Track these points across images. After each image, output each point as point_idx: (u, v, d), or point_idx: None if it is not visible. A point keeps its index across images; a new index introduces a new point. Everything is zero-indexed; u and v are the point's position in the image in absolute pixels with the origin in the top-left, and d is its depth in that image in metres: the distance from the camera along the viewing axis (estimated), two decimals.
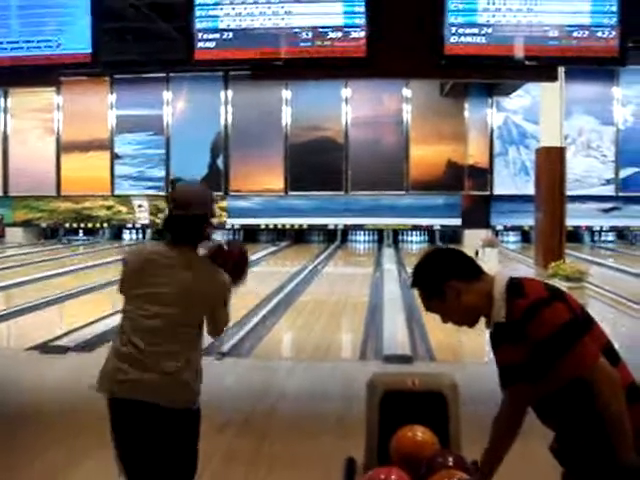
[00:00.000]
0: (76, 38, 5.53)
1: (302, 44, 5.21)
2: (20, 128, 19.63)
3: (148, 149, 19.25)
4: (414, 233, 19.00)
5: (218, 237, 19.33)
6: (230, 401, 4.96)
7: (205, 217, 2.64)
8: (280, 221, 18.58)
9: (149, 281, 2.52)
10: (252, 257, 14.77)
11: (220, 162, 19.01)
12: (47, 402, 4.85)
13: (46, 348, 6.21)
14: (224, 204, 19.07)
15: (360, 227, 18.86)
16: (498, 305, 2.17)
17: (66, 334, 6.77)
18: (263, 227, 18.73)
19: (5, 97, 19.59)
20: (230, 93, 18.85)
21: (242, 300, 9.84)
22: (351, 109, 18.59)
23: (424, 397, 2.85)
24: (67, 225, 19.65)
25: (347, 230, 18.98)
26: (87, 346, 6.35)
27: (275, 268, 14.27)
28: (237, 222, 19.01)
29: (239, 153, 18.84)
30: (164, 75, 18.64)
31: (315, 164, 18.53)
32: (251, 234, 18.73)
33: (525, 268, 13.30)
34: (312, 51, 5.21)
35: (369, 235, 19.09)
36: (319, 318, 8.23)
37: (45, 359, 5.95)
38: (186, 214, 2.59)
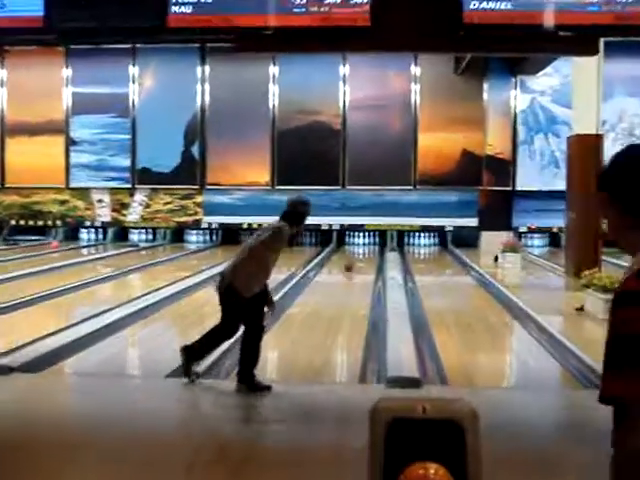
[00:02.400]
0: None
1: (295, 10, 5.19)
2: None
3: (110, 134, 19.26)
4: (422, 235, 19.06)
5: (192, 238, 19.35)
6: (204, 430, 4.93)
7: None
8: (265, 220, 18.29)
9: None
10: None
11: (195, 150, 19.03)
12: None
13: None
14: (199, 199, 19.09)
15: (359, 228, 18.92)
16: None
17: (8, 352, 6.71)
18: (245, 227, 18.71)
19: None
20: (207, 69, 18.88)
21: (220, 313, 9.89)
22: (350, 89, 18.66)
23: (437, 426, 2.82)
24: (12, 222, 19.60)
25: (344, 231, 19.07)
26: (33, 367, 6.30)
27: None
28: (215, 221, 19.04)
29: (218, 140, 18.85)
30: (130, 46, 18.61)
31: (307, 154, 18.60)
32: (231, 235, 18.71)
33: (553, 277, 13.34)
34: (306, 19, 5.18)
35: (370, 237, 19.18)
36: (311, 334, 8.22)
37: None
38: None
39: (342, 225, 18.84)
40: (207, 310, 10.20)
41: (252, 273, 5.60)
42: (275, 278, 12.43)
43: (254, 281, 5.60)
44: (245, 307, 5.56)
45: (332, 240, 18.79)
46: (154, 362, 6.88)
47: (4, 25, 5.47)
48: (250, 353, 5.62)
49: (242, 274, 5.58)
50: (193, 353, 5.71)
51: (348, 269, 13.73)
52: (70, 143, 19.41)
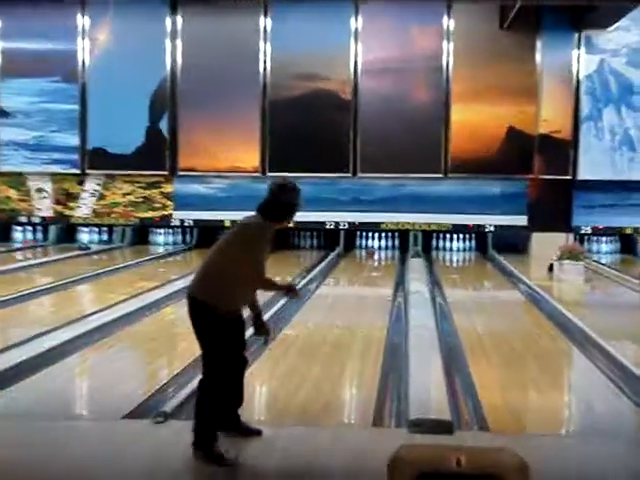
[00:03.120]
0: None
1: None
2: None
3: (52, 103, 19.30)
4: (455, 237, 19.13)
5: (160, 238, 19.34)
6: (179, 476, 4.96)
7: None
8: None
9: None
10: None
11: (163, 126, 19.06)
12: None
13: None
14: (169, 189, 19.08)
15: (374, 227, 18.98)
16: None
17: None
18: (228, 225, 18.68)
19: None
20: (179, 20, 18.88)
21: (178, 344, 9.46)
22: (363, 49, 18.69)
23: None
24: None
25: (355, 231, 19.15)
26: None
27: None
28: (188, 216, 19.03)
29: (193, 113, 18.85)
30: None
31: (307, 131, 18.66)
32: (209, 235, 18.54)
33: (626, 292, 13.30)
34: None
35: (388, 239, 19.26)
36: (312, 362, 8.20)
37: None
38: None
39: (352, 223, 18.89)
40: (179, 331, 10.19)
41: (224, 286, 5.32)
42: (261, 291, 12.45)
43: (230, 297, 5.36)
44: (221, 328, 5.31)
45: (339, 242, 18.85)
46: (108, 399, 6.85)
47: None
48: (210, 403, 5.35)
49: (211, 286, 5.34)
50: (204, 437, 5.28)
51: (370, 254, 13.61)
52: None
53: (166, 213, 19.18)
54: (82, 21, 19.13)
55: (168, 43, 18.97)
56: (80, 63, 19.20)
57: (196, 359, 7.69)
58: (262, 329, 5.74)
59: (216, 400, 5.35)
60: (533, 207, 18.42)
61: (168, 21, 18.92)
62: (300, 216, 18.68)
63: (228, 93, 18.64)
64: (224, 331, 5.32)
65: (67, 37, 19.11)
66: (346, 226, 18.88)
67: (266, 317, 10.04)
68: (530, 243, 17.98)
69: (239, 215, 19.22)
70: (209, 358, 5.38)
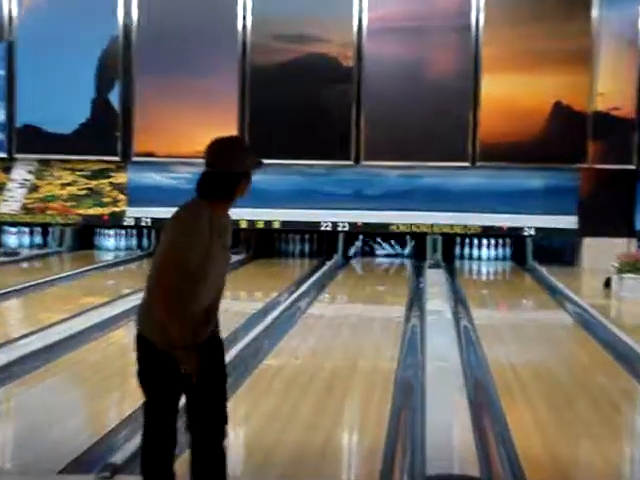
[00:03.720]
0: None
1: None
2: None
3: None
4: (485, 242, 19.15)
5: (109, 242, 19.33)
6: None
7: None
8: (230, 214, 18.48)
9: None
10: None
11: (114, 99, 19.09)
12: None
13: None
14: (121, 179, 19.07)
15: (382, 229, 19.00)
16: None
17: None
18: None
19: None
20: None
21: None
22: (369, 3, 18.70)
23: None
24: None
25: (357, 233, 19.20)
26: None
27: (221, 303, 14.16)
28: (145, 214, 19.00)
29: (152, 82, 18.84)
30: None
31: (298, 107, 18.71)
32: None
33: None
34: None
35: (399, 244, 19.27)
36: (302, 401, 8.21)
37: None
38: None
39: (354, 224, 18.91)
40: (133, 360, 10.15)
41: (166, 310, 4.77)
42: (244, 309, 12.38)
43: (175, 326, 4.78)
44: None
45: (338, 247, 18.94)
46: (40, 447, 6.79)
47: None
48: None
49: (152, 313, 4.87)
50: None
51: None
52: None
53: (117, 210, 19.18)
54: None
55: None
56: (6, 17, 19.23)
57: None
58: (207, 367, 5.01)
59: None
60: (585, 205, 18.42)
61: None
62: (287, 215, 18.69)
63: (197, 58, 18.70)
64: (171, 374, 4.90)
65: None
66: (346, 227, 18.91)
67: (243, 342, 10.15)
68: (581, 251, 17.97)
69: None
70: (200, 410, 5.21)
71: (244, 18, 18.72)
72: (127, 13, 18.89)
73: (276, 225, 18.76)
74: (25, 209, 19.41)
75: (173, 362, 4.78)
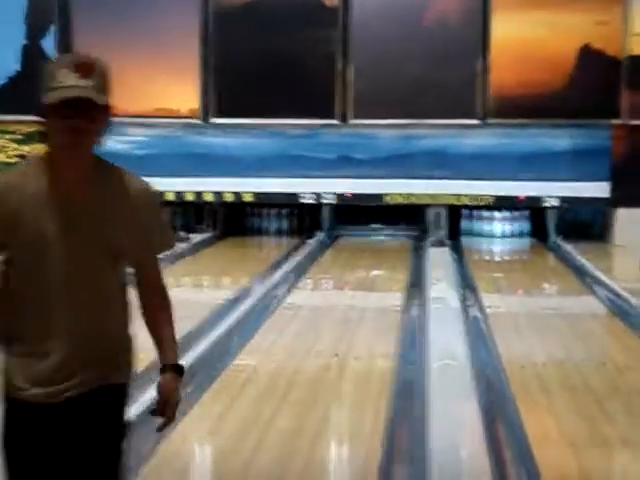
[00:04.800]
0: None
1: None
2: None
3: None
4: (498, 215, 19.18)
5: None
6: None
7: None
8: (193, 185, 18.77)
9: None
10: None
11: (49, 46, 19.05)
12: None
13: None
14: None
15: (374, 200, 18.99)
16: None
17: None
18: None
19: None
20: None
21: None
22: None
23: None
24: None
25: (344, 207, 19.14)
26: None
27: (181, 292, 14.05)
28: None
29: (94, 26, 18.79)
30: None
31: (272, 56, 18.70)
32: None
33: None
34: None
35: (395, 218, 19.26)
36: (280, 408, 8.20)
37: None
38: None
39: (341, 195, 18.90)
40: None
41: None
42: (210, 297, 12.32)
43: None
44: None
45: (322, 223, 19.01)
46: None
47: None
48: None
49: None
50: None
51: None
52: None
53: None
54: None
55: None
56: None
57: None
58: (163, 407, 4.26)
59: None
60: (619, 169, 18.39)
61: None
62: (261, 185, 18.66)
63: None
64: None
65: None
66: (332, 199, 18.92)
67: (209, 339, 10.14)
68: (614, 225, 17.95)
69: (171, 185, 19.26)
70: None
71: None
72: None
73: (248, 198, 18.76)
74: None
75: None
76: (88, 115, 3.76)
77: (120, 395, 4.06)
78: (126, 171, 4.23)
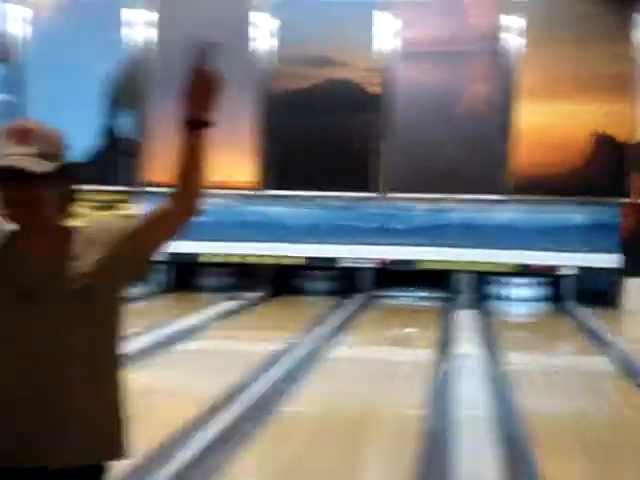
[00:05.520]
0: None
1: None
2: None
3: None
4: (521, 282, 19.01)
5: None
6: None
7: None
8: (245, 249, 18.65)
9: None
10: (188, 320, 15.08)
11: (124, 123, 19.10)
12: None
13: None
14: (131, 210, 18.98)
15: (407, 266, 18.85)
16: None
17: None
18: (212, 260, 18.78)
19: None
20: None
21: (170, 407, 9.75)
22: (394, 25, 18.68)
23: None
24: None
25: (381, 271, 18.98)
26: None
27: (235, 344, 14.21)
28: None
29: (162, 108, 18.77)
30: None
31: (320, 137, 18.62)
32: (187, 273, 18.82)
33: None
34: None
35: (426, 283, 19.11)
36: (321, 452, 8.09)
37: None
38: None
39: (377, 261, 18.76)
40: (150, 401, 10.05)
41: None
42: (257, 351, 12.27)
43: None
44: None
45: (360, 286, 18.83)
46: None
47: None
48: None
49: None
50: None
51: None
52: None
53: None
54: None
55: (132, 14, 19.16)
56: (16, 39, 19.38)
57: (159, 451, 7.56)
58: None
59: None
60: (629, 242, 18.27)
61: None
62: (306, 251, 18.35)
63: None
64: None
65: None
66: (370, 264, 18.77)
67: (259, 386, 10.07)
68: (624, 292, 17.80)
69: (225, 248, 19.09)
70: None
71: (259, 41, 18.84)
72: (138, 37, 19.09)
73: (296, 261, 18.68)
74: None
75: None
76: (26, 184, 3.18)
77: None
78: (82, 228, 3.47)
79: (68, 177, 3.38)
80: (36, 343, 3.21)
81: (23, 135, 3.19)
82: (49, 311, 3.23)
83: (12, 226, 3.30)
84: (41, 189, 3.21)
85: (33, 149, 3.18)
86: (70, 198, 3.39)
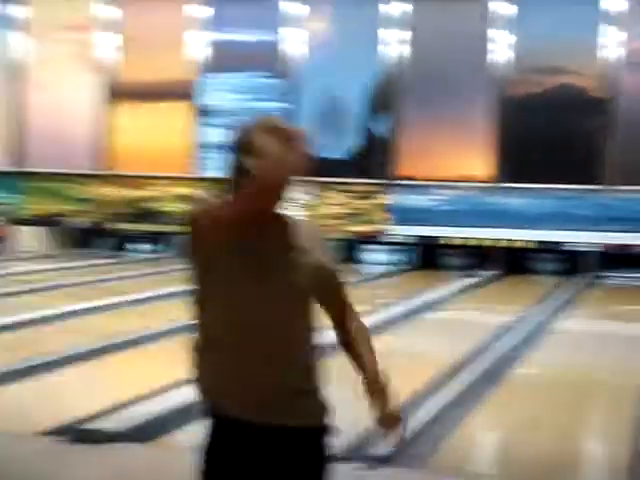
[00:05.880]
0: None
1: None
2: (44, 58, 20.82)
3: (260, 101, 19.60)
4: None
5: (374, 256, 19.37)
6: None
7: None
8: (483, 233, 18.61)
9: None
10: (432, 294, 14.83)
11: (382, 127, 19.34)
12: None
13: (77, 434, 6.48)
14: (386, 200, 19.18)
15: (628, 250, 18.42)
16: None
17: (108, 412, 7.05)
18: (452, 242, 18.84)
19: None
20: (401, 6, 19.11)
21: (411, 370, 9.62)
22: (623, 36, 18.31)
23: None
24: (120, 225, 20.29)
25: (604, 254, 18.63)
26: (139, 433, 6.62)
27: (471, 316, 14.17)
28: (408, 232, 19.10)
29: (415, 113, 19.01)
30: None
31: (550, 135, 18.47)
32: (431, 254, 18.96)
33: None
34: None
35: None
36: (550, 406, 8.11)
37: (75, 451, 6.22)
38: None
39: (604, 245, 18.36)
40: (395, 362, 10.32)
41: None
42: (495, 321, 12.30)
43: None
44: None
45: (588, 267, 18.46)
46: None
47: None
48: None
49: None
50: None
51: None
52: (200, 113, 20.00)
53: (381, 227, 19.34)
54: (294, 7, 19.68)
55: (388, 34, 19.20)
56: (288, 56, 19.71)
57: (413, 394, 7.82)
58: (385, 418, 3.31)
59: None
60: None
61: (387, 8, 19.21)
62: (538, 235, 18.22)
63: (455, 91, 18.76)
64: None
65: (273, 26, 19.68)
66: (597, 248, 18.37)
67: (490, 355, 10.16)
68: None
69: (466, 232, 19.03)
70: None
71: (496, 53, 18.72)
72: (393, 53, 19.21)
73: (528, 245, 18.48)
74: None
75: None
76: None
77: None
78: (292, 218, 3.29)
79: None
80: (262, 310, 3.09)
81: (283, 136, 2.99)
82: (271, 283, 3.10)
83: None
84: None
85: None
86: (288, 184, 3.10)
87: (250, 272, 3.08)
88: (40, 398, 7.99)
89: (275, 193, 3.06)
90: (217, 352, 3.08)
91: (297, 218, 3.32)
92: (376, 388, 3.26)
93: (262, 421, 3.10)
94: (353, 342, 3.32)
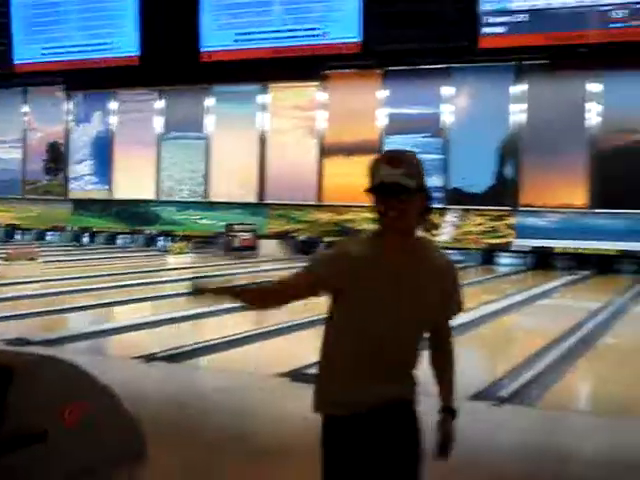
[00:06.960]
0: (344, 25, 5.83)
1: (612, 25, 5.07)
2: (279, 128, 21.49)
3: (423, 154, 19.44)
4: None
5: (503, 260, 19.11)
6: (506, 458, 4.94)
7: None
8: (581, 244, 18.05)
9: None
10: (542, 286, 14.37)
11: (509, 170, 18.98)
12: (291, 436, 5.12)
13: (298, 376, 6.52)
14: (512, 221, 18.95)
15: None
16: None
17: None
18: (559, 251, 18.31)
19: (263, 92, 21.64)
20: (522, 86, 18.85)
21: (527, 339, 9.82)
22: None
23: None
24: (326, 239, 20.38)
25: None
26: None
27: (571, 302, 13.91)
28: (527, 243, 18.78)
29: (532, 159, 18.70)
30: (443, 66, 19.21)
31: (629, 175, 17.83)
32: (544, 259, 18.44)
33: None
34: (625, 33, 5.04)
35: None
36: (627, 368, 7.83)
37: (296, 388, 6.24)
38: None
39: None
40: (514, 336, 10.13)
41: None
42: (588, 306, 11.91)
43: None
44: None
45: None
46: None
47: (325, 52, 6.01)
48: None
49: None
50: None
51: None
52: None
53: (508, 240, 19.01)
54: (446, 89, 19.60)
55: (513, 105, 18.94)
56: (445, 122, 19.67)
57: (528, 356, 7.68)
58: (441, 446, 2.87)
59: None
60: None
61: (514, 87, 18.92)
62: (620, 245, 17.39)
63: (561, 144, 18.29)
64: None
65: (434, 101, 19.69)
66: None
67: (588, 330, 9.68)
68: None
69: (568, 244, 18.43)
70: None
71: (592, 117, 18.15)
72: (517, 118, 18.87)
73: (613, 252, 17.54)
74: (453, 239, 19.64)
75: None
76: (398, 197, 2.68)
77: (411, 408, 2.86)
78: (433, 247, 2.90)
79: (425, 194, 2.79)
80: (406, 328, 2.79)
81: (396, 161, 2.72)
82: (402, 294, 2.75)
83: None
84: (410, 201, 2.71)
85: (402, 170, 2.69)
86: (426, 210, 2.81)
87: (404, 298, 2.75)
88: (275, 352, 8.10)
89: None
90: (373, 359, 2.75)
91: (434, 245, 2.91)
92: (446, 417, 2.87)
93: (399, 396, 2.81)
94: (443, 355, 2.95)
